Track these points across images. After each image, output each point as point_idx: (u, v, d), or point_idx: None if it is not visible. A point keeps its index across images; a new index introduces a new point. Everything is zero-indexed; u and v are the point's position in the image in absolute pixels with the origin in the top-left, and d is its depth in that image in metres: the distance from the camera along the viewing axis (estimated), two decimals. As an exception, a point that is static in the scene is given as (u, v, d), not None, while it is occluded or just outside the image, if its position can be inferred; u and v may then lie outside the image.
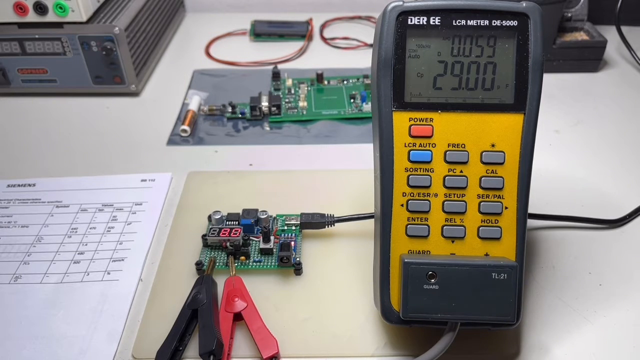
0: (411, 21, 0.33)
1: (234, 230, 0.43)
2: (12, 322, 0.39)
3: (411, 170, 0.34)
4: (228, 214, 0.45)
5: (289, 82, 0.65)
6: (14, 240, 0.45)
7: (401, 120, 0.34)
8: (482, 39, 0.33)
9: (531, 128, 0.34)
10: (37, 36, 0.60)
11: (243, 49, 0.76)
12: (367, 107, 0.60)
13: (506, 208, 0.34)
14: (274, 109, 0.60)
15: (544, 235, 0.45)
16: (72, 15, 0.58)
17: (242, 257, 0.42)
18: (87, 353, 0.37)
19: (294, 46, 0.76)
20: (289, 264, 0.41)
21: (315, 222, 0.44)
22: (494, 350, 0.36)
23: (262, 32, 0.78)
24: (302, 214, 0.45)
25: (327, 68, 0.69)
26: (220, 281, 0.40)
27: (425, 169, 0.34)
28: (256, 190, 0.50)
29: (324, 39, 0.78)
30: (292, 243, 0.43)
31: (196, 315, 0.37)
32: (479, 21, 0.33)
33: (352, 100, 0.62)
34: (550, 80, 0.66)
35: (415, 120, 0.34)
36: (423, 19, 0.33)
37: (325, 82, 0.66)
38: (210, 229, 0.43)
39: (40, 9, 0.58)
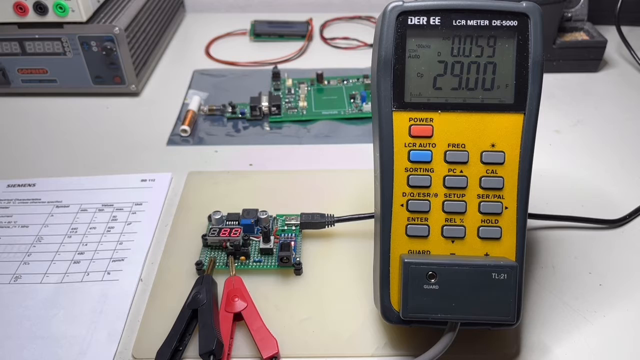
0: (411, 21, 0.33)
1: (234, 230, 0.43)
2: (12, 322, 0.39)
3: (411, 170, 0.34)
4: (228, 214, 0.45)
5: (289, 82, 0.65)
6: (14, 240, 0.45)
7: (401, 120, 0.34)
8: (482, 39, 0.33)
9: (531, 128, 0.34)
10: (37, 36, 0.60)
11: (243, 49, 0.76)
12: (367, 107, 0.60)
13: (506, 208, 0.34)
14: (274, 109, 0.60)
15: (544, 235, 0.45)
16: (72, 15, 0.58)
17: (242, 257, 0.42)
18: (87, 353, 0.37)
19: (294, 46, 0.76)
20: (289, 264, 0.41)
21: (315, 222, 0.44)
22: (494, 350, 0.36)
23: (262, 32, 0.78)
24: (302, 214, 0.45)
25: (327, 68, 0.69)
26: (220, 281, 0.40)
27: (425, 169, 0.34)
28: (256, 190, 0.50)
29: (324, 39, 0.78)
30: (292, 243, 0.43)
31: (196, 315, 0.37)
32: (479, 21, 0.33)
33: (352, 100, 0.62)
34: (550, 80, 0.66)
35: (415, 120, 0.34)
36: (423, 19, 0.33)
37: (325, 82, 0.66)
38: (210, 229, 0.43)
39: (40, 9, 0.58)
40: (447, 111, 0.34)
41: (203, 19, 0.85)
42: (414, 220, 0.34)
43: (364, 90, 0.63)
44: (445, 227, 0.34)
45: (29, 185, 0.51)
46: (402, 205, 0.34)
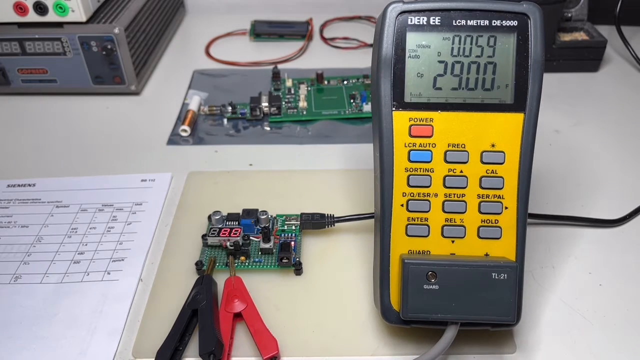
0: (411, 21, 0.33)
1: (234, 230, 0.43)
2: (12, 322, 0.39)
3: (411, 170, 0.34)
4: (228, 214, 0.45)
5: (289, 82, 0.65)
6: (14, 240, 0.45)
7: (401, 120, 0.34)
8: (482, 39, 0.33)
9: (531, 128, 0.34)
10: (37, 36, 0.60)
11: (243, 49, 0.76)
12: (367, 107, 0.60)
13: (506, 208, 0.34)
14: (274, 109, 0.60)
15: (544, 235, 0.45)
16: (72, 15, 0.58)
17: (242, 257, 0.42)
18: (87, 353, 0.37)
19: (294, 46, 0.76)
20: (289, 264, 0.41)
21: (315, 222, 0.44)
22: (493, 350, 0.36)
23: (262, 32, 0.78)
24: (302, 214, 0.45)
25: (327, 68, 0.69)
26: (220, 281, 0.40)
27: (425, 169, 0.34)
28: (256, 190, 0.50)
29: (324, 39, 0.78)
30: (292, 243, 0.43)
31: (196, 315, 0.37)
32: (479, 21, 0.33)
33: (352, 100, 0.62)
34: (550, 80, 0.66)
35: (415, 120, 0.34)
36: (423, 18, 0.33)
37: (325, 82, 0.65)
38: (210, 229, 0.43)
39: (40, 9, 0.58)
40: (447, 111, 0.34)
41: (203, 19, 0.85)
42: (414, 220, 0.34)
43: (364, 90, 0.63)
44: (445, 227, 0.34)
45: (29, 185, 0.51)
46: (402, 205, 0.34)
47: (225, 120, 0.60)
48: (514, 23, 0.33)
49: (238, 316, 0.38)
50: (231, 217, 0.45)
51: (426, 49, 0.34)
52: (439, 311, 0.33)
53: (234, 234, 0.42)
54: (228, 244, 0.42)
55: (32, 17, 0.58)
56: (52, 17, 0.58)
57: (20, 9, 0.58)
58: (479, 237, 0.34)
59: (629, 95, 0.64)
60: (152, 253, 0.44)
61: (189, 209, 0.48)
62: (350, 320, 0.38)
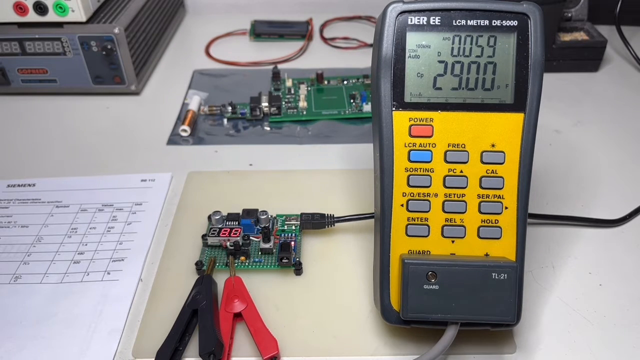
0: (411, 21, 0.33)
1: (234, 230, 0.43)
2: (12, 322, 0.39)
3: (411, 170, 0.34)
4: (228, 214, 0.45)
5: (289, 82, 0.65)
6: (14, 240, 0.45)
7: (401, 120, 0.34)
8: (482, 39, 0.33)
9: (531, 128, 0.34)
10: (37, 36, 0.60)
11: (243, 49, 0.76)
12: (367, 107, 0.60)
13: (506, 208, 0.34)
14: (274, 109, 0.60)
15: (544, 235, 0.45)
16: (72, 15, 0.58)
17: (242, 257, 0.42)
18: (87, 353, 0.37)
19: (294, 46, 0.76)
20: (289, 264, 0.41)
21: (315, 222, 0.44)
22: (493, 350, 0.36)
23: (262, 32, 0.78)
24: (302, 214, 0.45)
25: (327, 68, 0.69)
26: (220, 281, 0.40)
27: (425, 169, 0.34)
28: (256, 190, 0.50)
29: (324, 39, 0.78)
30: (292, 243, 0.43)
31: (196, 315, 0.37)
32: (479, 21, 0.33)
33: (352, 101, 0.62)
34: (550, 80, 0.66)
35: (415, 120, 0.34)
36: (423, 18, 0.33)
37: (325, 82, 0.65)
38: (210, 229, 0.43)
39: (40, 9, 0.58)
40: (447, 111, 0.34)
41: (203, 19, 0.85)
42: (414, 220, 0.34)
43: (364, 90, 0.63)
44: (445, 227, 0.34)
45: (29, 185, 0.51)
46: (402, 205, 0.34)
47: (225, 120, 0.60)
48: (514, 23, 0.33)
49: (238, 316, 0.38)
50: (231, 217, 0.45)
51: (426, 49, 0.34)
52: (439, 311, 0.33)
53: (234, 234, 0.42)
54: (228, 244, 0.42)
55: (32, 17, 0.58)
56: (52, 17, 0.58)
57: (20, 9, 0.58)
58: (479, 237, 0.34)
59: (629, 95, 0.64)
60: (152, 253, 0.44)
61: (189, 209, 0.48)
62: (350, 320, 0.38)
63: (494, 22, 0.33)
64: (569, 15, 0.69)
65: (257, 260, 0.42)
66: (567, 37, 0.68)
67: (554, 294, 0.40)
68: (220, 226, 0.43)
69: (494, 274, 0.32)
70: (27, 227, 0.47)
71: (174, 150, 0.56)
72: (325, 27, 0.81)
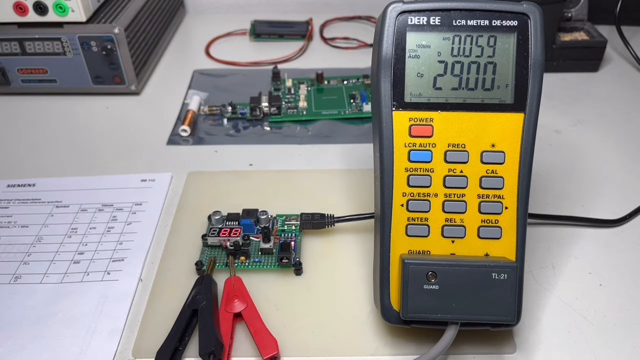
0: (411, 21, 0.33)
1: (234, 230, 0.43)
2: (12, 322, 0.39)
3: (411, 170, 0.34)
4: (228, 214, 0.45)
5: (289, 82, 0.65)
6: (14, 240, 0.45)
7: (401, 120, 0.34)
8: (482, 39, 0.33)
9: (531, 128, 0.34)
10: (37, 36, 0.60)
11: (243, 49, 0.76)
12: (367, 107, 0.60)
13: (506, 208, 0.34)
14: (274, 109, 0.60)
15: (544, 235, 0.45)
16: (72, 15, 0.58)
17: (242, 257, 0.42)
18: (87, 353, 0.37)
19: (294, 46, 0.76)
20: (289, 264, 0.41)
21: (315, 222, 0.44)
22: (493, 350, 0.36)
23: (262, 32, 0.78)
24: (302, 214, 0.45)
25: (327, 68, 0.69)
26: (220, 281, 0.40)
27: (425, 169, 0.34)
28: (256, 190, 0.50)
29: (324, 39, 0.78)
30: (292, 243, 0.43)
31: (196, 315, 0.37)
32: (479, 21, 0.33)
33: (352, 100, 0.62)
34: (550, 80, 0.66)
35: (415, 120, 0.34)
36: (423, 18, 0.33)
37: (325, 82, 0.65)
38: (210, 229, 0.43)
39: (40, 9, 0.58)
40: (447, 111, 0.34)
41: (203, 19, 0.85)
42: (414, 220, 0.34)
43: (364, 90, 0.63)
44: (445, 227, 0.34)
45: (29, 185, 0.51)
46: (402, 205, 0.34)
47: (225, 120, 0.60)
48: (514, 23, 0.33)
49: (238, 316, 0.38)
50: (231, 217, 0.45)
51: (426, 49, 0.34)
52: (439, 311, 0.33)
53: (234, 234, 0.43)
54: (228, 244, 0.42)
55: (32, 17, 0.58)
56: (52, 17, 0.58)
57: (20, 9, 0.58)
58: (479, 237, 0.34)
59: (629, 95, 0.64)
60: (152, 253, 0.44)
61: (189, 209, 0.48)
62: (350, 320, 0.38)
63: (494, 22, 0.33)
64: (569, 15, 0.69)
65: (257, 260, 0.42)
66: (567, 37, 0.68)
67: (554, 294, 0.40)
68: (220, 226, 0.43)
69: (494, 274, 0.32)
70: (27, 227, 0.47)
71: (174, 150, 0.56)
72: (325, 27, 0.81)
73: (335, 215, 0.44)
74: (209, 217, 0.45)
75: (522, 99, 0.33)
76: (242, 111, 0.61)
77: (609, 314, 0.39)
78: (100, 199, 0.49)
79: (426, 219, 0.34)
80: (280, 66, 0.70)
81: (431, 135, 0.34)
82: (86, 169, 0.53)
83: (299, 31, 0.78)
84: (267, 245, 0.43)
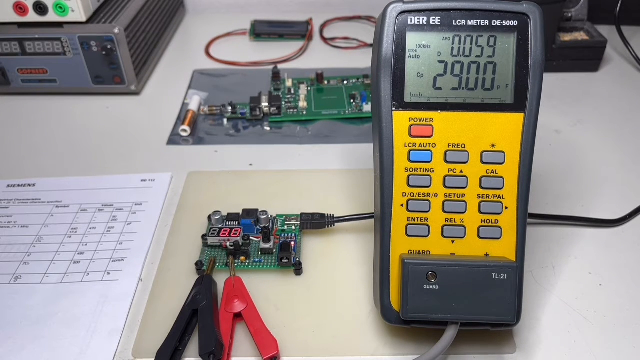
0: (411, 21, 0.33)
1: (234, 230, 0.43)
2: (12, 322, 0.39)
3: (411, 170, 0.34)
4: (228, 214, 0.45)
5: (289, 82, 0.65)
6: (14, 240, 0.45)
7: (401, 120, 0.34)
8: (482, 39, 0.33)
9: (531, 128, 0.34)
10: (37, 36, 0.60)
11: (243, 49, 0.76)
12: (367, 107, 0.60)
13: (506, 208, 0.34)
14: (274, 109, 0.60)
15: (544, 235, 0.45)
16: (72, 15, 0.58)
17: (242, 257, 0.42)
18: (87, 353, 0.37)
19: (294, 46, 0.76)
20: (289, 264, 0.41)
21: (315, 222, 0.44)
22: (493, 350, 0.36)
23: (262, 32, 0.78)
24: (302, 214, 0.45)
25: (327, 68, 0.69)
26: (220, 281, 0.40)
27: (425, 169, 0.34)
28: (256, 190, 0.50)
29: (324, 39, 0.78)
30: (292, 243, 0.43)
31: (196, 315, 0.37)
32: (479, 21, 0.33)
33: (352, 100, 0.62)
34: (550, 80, 0.66)
35: (415, 120, 0.34)
36: (423, 18, 0.33)
37: (325, 82, 0.65)
38: (210, 229, 0.43)
39: (40, 9, 0.58)
40: (447, 111, 0.34)
41: (203, 19, 0.85)
42: (414, 220, 0.34)
43: (364, 90, 0.63)
44: (445, 227, 0.34)
45: (29, 185, 0.51)
46: (402, 205, 0.34)
47: (225, 120, 0.60)
48: (514, 23, 0.33)
49: (238, 316, 0.38)
50: (231, 217, 0.45)
51: (426, 49, 0.34)
52: (439, 311, 0.33)
53: (234, 234, 0.43)
54: (228, 244, 0.42)
55: (32, 17, 0.58)
56: (52, 17, 0.58)
57: (20, 9, 0.58)
58: (479, 237, 0.34)
59: (629, 95, 0.64)
60: (152, 253, 0.44)
61: (189, 209, 0.48)
62: (350, 320, 0.38)
63: (494, 22, 0.33)
64: (569, 15, 0.69)
65: (257, 260, 0.42)
66: (567, 37, 0.68)
67: (554, 294, 0.40)
68: (220, 226, 0.43)
69: (494, 274, 0.32)
70: (27, 227, 0.47)
71: (174, 150, 0.56)
72: (325, 27, 0.81)
73: (335, 215, 0.44)
74: (209, 217, 0.45)
75: (522, 99, 0.33)
76: (242, 111, 0.61)
77: (609, 314, 0.39)
78: (100, 199, 0.49)
79: (426, 219, 0.34)
80: (280, 66, 0.70)
81: (431, 135, 0.34)
82: (86, 169, 0.53)
83: (299, 31, 0.78)
84: (267, 245, 0.43)
